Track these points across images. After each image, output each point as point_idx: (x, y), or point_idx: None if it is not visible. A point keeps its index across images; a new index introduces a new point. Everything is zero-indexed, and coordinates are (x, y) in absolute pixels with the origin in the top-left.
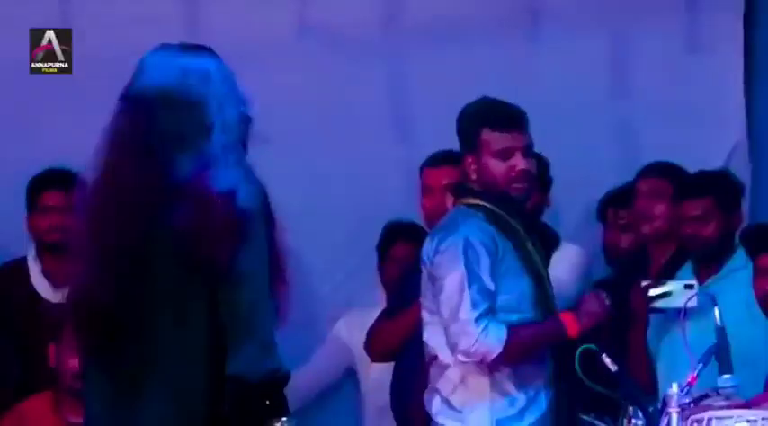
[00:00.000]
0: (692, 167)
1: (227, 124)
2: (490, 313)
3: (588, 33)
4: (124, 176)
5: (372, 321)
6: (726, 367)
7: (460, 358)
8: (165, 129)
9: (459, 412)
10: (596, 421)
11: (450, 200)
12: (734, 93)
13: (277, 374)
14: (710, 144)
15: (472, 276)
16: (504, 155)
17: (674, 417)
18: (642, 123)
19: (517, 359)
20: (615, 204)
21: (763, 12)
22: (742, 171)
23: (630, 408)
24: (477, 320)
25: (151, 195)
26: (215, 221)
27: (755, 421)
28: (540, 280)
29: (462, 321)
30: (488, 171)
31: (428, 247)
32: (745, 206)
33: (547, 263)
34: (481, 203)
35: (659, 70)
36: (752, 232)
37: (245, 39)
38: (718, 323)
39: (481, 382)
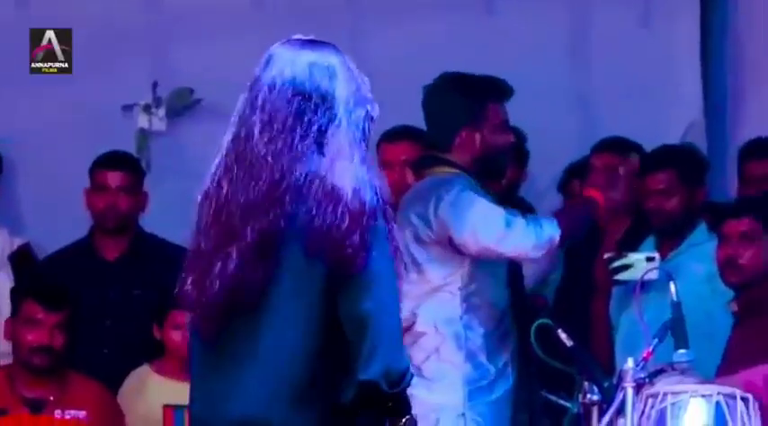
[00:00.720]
0: (648, 143)
1: (354, 120)
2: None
3: (546, 5)
4: (265, 163)
5: None
6: (681, 342)
7: (532, 255)
8: (294, 121)
9: (430, 380)
10: (560, 400)
11: (409, 175)
12: (690, 69)
13: (407, 377)
14: (667, 120)
15: (491, 202)
16: (504, 127)
17: (630, 392)
18: (600, 97)
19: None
20: (579, 176)
21: None
22: (698, 145)
23: (586, 383)
24: (525, 219)
25: (282, 186)
26: (344, 216)
27: (710, 396)
28: None
29: (514, 228)
30: (490, 143)
31: (422, 209)
32: None
33: None
34: (459, 171)
35: (616, 44)
36: (713, 203)
37: (204, 9)
38: (674, 297)
39: (456, 352)
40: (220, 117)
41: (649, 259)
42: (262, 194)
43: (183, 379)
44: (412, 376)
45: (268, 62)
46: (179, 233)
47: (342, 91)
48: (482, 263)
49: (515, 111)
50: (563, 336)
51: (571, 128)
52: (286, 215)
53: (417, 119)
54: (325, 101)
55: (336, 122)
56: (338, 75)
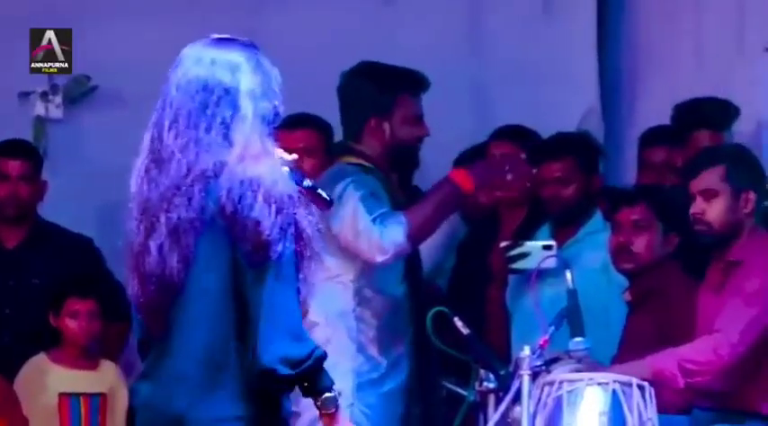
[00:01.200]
0: (545, 130)
1: (260, 112)
2: (385, 214)
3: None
4: (173, 159)
5: None
6: (577, 329)
7: (380, 259)
8: (197, 115)
9: None
10: (457, 388)
11: (308, 163)
12: (586, 55)
13: (307, 362)
14: (564, 107)
15: (365, 199)
16: (417, 120)
17: (526, 380)
18: (495, 84)
19: (427, 231)
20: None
21: None
22: (595, 135)
23: (482, 371)
24: (373, 221)
25: (190, 177)
26: (259, 204)
27: (607, 384)
28: None
29: (362, 229)
30: (399, 135)
31: None
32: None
33: None
34: (364, 162)
35: (513, 30)
36: (610, 190)
37: None
38: (570, 285)
39: (347, 344)
40: (117, 104)
41: (546, 247)
42: (172, 187)
43: (79, 368)
44: (320, 357)
45: (177, 63)
46: (76, 220)
47: (246, 84)
48: None
49: None
50: (459, 324)
51: (466, 116)
52: (196, 204)
53: (311, 107)
54: (228, 94)
55: (241, 114)
56: (242, 70)
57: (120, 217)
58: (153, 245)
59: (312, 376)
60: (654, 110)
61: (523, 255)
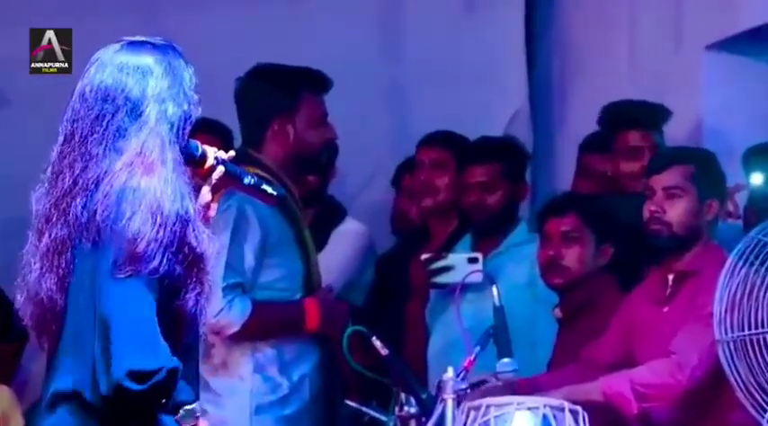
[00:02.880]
0: (471, 134)
1: (167, 119)
2: (239, 287)
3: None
4: (63, 173)
5: None
6: (505, 350)
7: (203, 328)
8: (91, 126)
9: (219, 396)
10: (363, 408)
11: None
12: (514, 54)
13: (157, 375)
14: (490, 109)
15: (234, 246)
16: (322, 121)
17: (450, 404)
18: (415, 87)
19: (258, 336)
20: (410, 170)
21: None
22: (523, 136)
23: (403, 395)
24: (223, 291)
25: (72, 192)
26: (134, 215)
27: (537, 408)
28: (309, 257)
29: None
30: (304, 138)
31: None
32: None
33: (326, 238)
34: (262, 173)
35: (434, 30)
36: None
37: None
38: (497, 302)
39: (244, 364)
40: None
41: (471, 260)
42: (53, 204)
43: None
44: (172, 370)
45: (85, 71)
46: None
47: (153, 89)
48: (271, 273)
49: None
50: (378, 344)
51: (383, 121)
52: (73, 219)
53: (213, 113)
54: (129, 100)
55: (142, 120)
56: (151, 74)
57: (14, 232)
58: (34, 265)
59: (165, 391)
60: (586, 113)
61: (446, 269)
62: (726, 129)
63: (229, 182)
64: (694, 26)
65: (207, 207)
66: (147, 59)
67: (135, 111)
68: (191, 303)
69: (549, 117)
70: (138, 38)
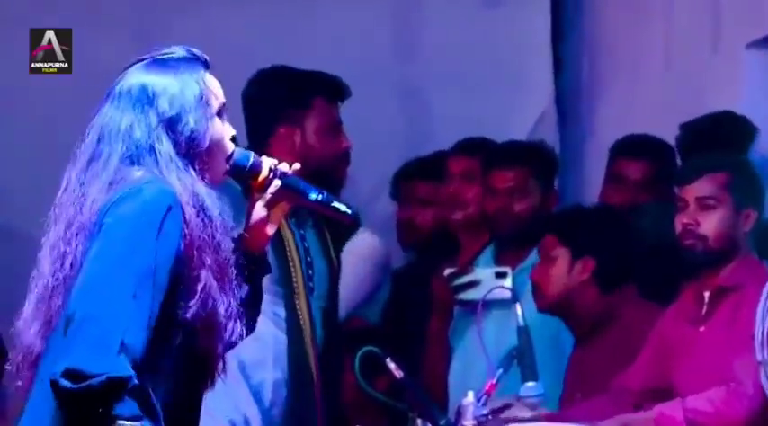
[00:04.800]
0: (494, 138)
1: (172, 139)
2: None
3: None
4: (59, 219)
5: None
6: (529, 373)
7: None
8: (90, 164)
9: None
10: None
11: None
12: (539, 53)
13: (94, 378)
14: (514, 113)
15: None
16: (334, 131)
17: None
18: (433, 88)
19: None
20: (408, 178)
21: None
22: (549, 141)
23: (419, 421)
24: None
25: (69, 236)
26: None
27: None
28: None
29: None
30: (313, 145)
31: None
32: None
33: (339, 250)
34: None
35: (452, 28)
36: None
37: None
38: (521, 321)
39: None
40: None
41: (499, 275)
42: (49, 246)
43: None
44: (115, 379)
45: (108, 94)
46: None
47: (162, 110)
48: None
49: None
50: (392, 366)
51: (398, 124)
52: (68, 263)
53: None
54: (143, 121)
55: (151, 140)
56: (161, 95)
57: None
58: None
59: (100, 398)
60: (617, 116)
61: (472, 284)
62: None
63: (294, 198)
64: (733, 23)
65: (263, 223)
66: (163, 80)
67: (148, 129)
68: (192, 312)
69: (577, 120)
70: (163, 53)
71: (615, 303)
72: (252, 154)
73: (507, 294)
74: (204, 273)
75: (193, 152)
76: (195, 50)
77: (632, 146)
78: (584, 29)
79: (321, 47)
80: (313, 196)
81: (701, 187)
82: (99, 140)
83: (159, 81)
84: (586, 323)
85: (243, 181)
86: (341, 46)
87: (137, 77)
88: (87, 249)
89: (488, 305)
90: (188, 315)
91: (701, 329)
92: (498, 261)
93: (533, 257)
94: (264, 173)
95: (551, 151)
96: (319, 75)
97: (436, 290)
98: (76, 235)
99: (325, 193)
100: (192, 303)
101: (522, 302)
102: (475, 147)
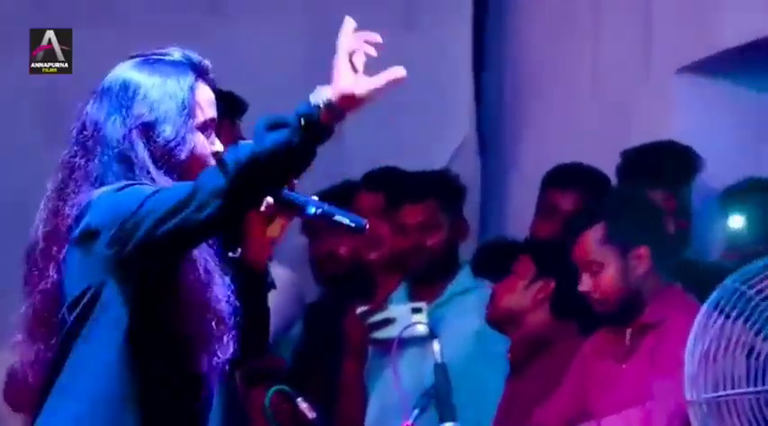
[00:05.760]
0: (412, 166)
1: (147, 145)
2: None
3: (281, 6)
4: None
5: None
6: (447, 412)
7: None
8: (87, 144)
9: None
10: None
11: None
12: (461, 79)
13: None
14: (433, 140)
15: None
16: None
17: None
18: (349, 117)
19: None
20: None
21: None
22: (470, 170)
23: None
24: None
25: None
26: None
27: None
28: None
29: None
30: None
31: None
32: (471, 210)
33: None
34: None
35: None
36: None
37: None
38: (438, 358)
39: None
40: None
41: (415, 310)
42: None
43: None
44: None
45: (94, 91)
46: None
47: (117, 107)
48: None
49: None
50: (304, 406)
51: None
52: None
53: None
54: (100, 120)
55: (107, 141)
56: (138, 96)
57: None
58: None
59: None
60: (542, 145)
61: (387, 322)
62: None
63: (292, 213)
64: (664, 48)
65: (260, 241)
66: (123, 76)
67: (103, 128)
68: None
69: (499, 149)
70: (146, 53)
71: (559, 331)
72: None
73: (424, 330)
74: (187, 284)
75: (170, 163)
76: (194, 56)
77: (564, 177)
78: (507, 55)
79: (233, 66)
80: (312, 210)
81: (582, 250)
82: (79, 143)
83: (143, 81)
84: (527, 345)
85: None
86: (254, 65)
87: (122, 74)
88: (63, 256)
89: (404, 342)
90: (166, 330)
91: (624, 366)
92: (413, 297)
93: (449, 291)
94: None
95: (456, 180)
96: (219, 94)
97: (350, 330)
98: (52, 242)
99: (326, 206)
100: (171, 313)
101: (439, 338)
102: (381, 180)
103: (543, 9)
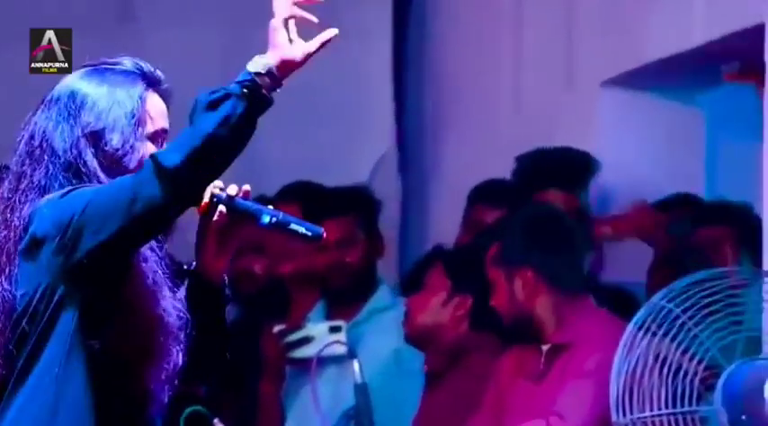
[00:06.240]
0: (332, 181)
1: (95, 154)
2: None
3: (195, 23)
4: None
5: None
6: None
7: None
8: (35, 155)
9: None
10: None
11: None
12: (380, 93)
13: None
14: (352, 154)
15: None
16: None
17: None
18: (266, 128)
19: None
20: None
21: None
22: (390, 185)
23: None
24: None
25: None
26: None
27: None
28: None
29: None
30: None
31: None
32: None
33: None
34: None
35: None
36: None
37: None
38: (358, 379)
39: None
40: None
41: (333, 329)
42: None
43: None
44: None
45: (42, 99)
46: None
47: (63, 116)
48: None
49: None
50: None
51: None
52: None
53: None
54: (50, 129)
55: (53, 150)
56: (58, 102)
57: None
58: None
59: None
60: (463, 159)
61: (305, 340)
62: (623, 171)
63: (245, 223)
64: (587, 60)
65: (213, 252)
66: (70, 86)
67: (52, 138)
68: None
69: (420, 163)
70: (94, 62)
71: (477, 342)
72: None
73: (342, 350)
74: (133, 297)
75: (119, 171)
76: (145, 66)
77: (490, 192)
78: (427, 68)
79: None
80: (266, 219)
81: (486, 267)
82: (26, 153)
83: (91, 91)
84: (444, 356)
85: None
86: (167, 77)
87: (70, 84)
88: (14, 268)
89: (323, 362)
90: (112, 344)
91: (539, 385)
92: (331, 315)
93: (367, 309)
94: (205, 198)
95: (372, 195)
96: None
97: (266, 349)
98: (2, 253)
99: (281, 214)
100: (117, 326)
101: (359, 357)
102: (297, 195)
103: (464, 21)
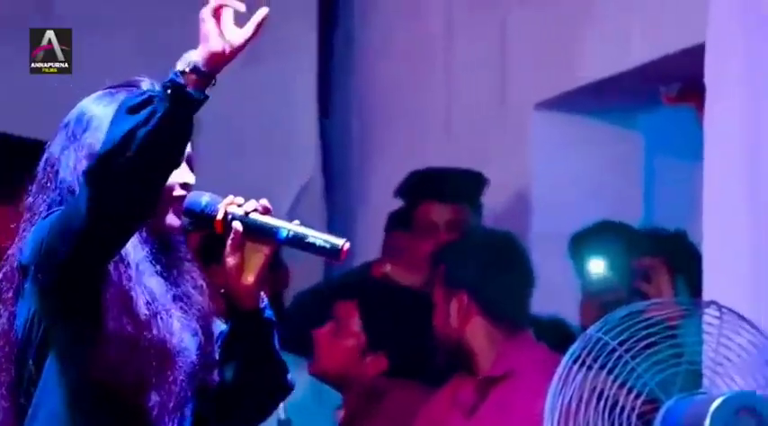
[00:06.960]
0: None
1: (69, 171)
2: None
3: (116, 28)
4: None
5: None
6: None
7: None
8: (44, 184)
9: None
10: None
11: None
12: (305, 115)
13: None
14: (275, 179)
15: None
16: None
17: None
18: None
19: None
20: None
21: (342, 14)
22: (314, 212)
23: None
24: None
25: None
26: None
27: None
28: None
29: None
30: None
31: None
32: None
33: None
34: None
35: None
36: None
37: None
38: (282, 414)
39: None
40: None
41: None
42: None
43: None
44: None
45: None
46: None
47: (63, 144)
48: None
49: None
50: None
51: None
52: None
53: None
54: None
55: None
56: (66, 130)
57: None
58: None
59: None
60: (393, 182)
61: None
62: (557, 196)
63: (264, 240)
64: (521, 82)
65: (237, 274)
66: (77, 112)
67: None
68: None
69: (347, 187)
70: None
71: (393, 386)
72: (206, 195)
73: None
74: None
75: None
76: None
77: (401, 217)
78: (354, 90)
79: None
80: (283, 234)
81: (437, 289)
82: (37, 181)
83: (98, 112)
84: (361, 397)
85: (204, 230)
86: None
87: (81, 107)
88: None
89: None
90: (102, 374)
91: (472, 418)
92: None
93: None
94: (219, 215)
95: None
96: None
97: None
98: (3, 286)
99: (300, 227)
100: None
101: None
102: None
103: (395, 39)
